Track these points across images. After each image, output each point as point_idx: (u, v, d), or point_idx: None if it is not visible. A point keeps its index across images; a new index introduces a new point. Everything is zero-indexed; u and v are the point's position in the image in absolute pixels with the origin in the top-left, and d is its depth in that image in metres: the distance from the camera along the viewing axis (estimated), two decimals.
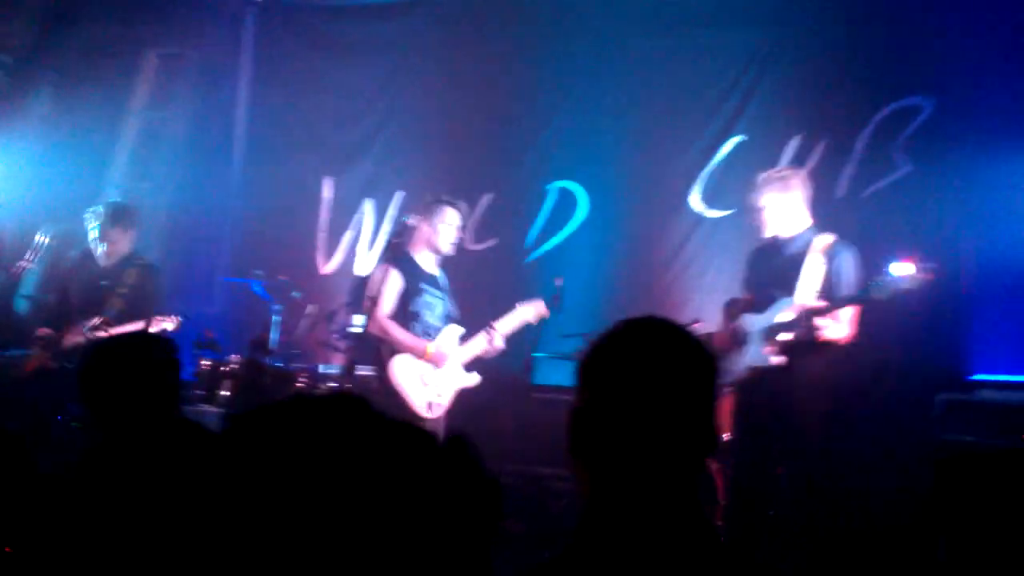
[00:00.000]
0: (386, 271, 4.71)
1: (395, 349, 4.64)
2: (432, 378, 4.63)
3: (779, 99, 5.78)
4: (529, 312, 4.85)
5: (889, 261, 4.26)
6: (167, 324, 4.91)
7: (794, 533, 3.99)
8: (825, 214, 5.30)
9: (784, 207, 4.17)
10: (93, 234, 5.17)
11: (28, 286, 6.18)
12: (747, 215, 4.36)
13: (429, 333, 4.70)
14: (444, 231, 4.73)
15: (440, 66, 6.78)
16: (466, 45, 6.68)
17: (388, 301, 4.66)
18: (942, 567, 1.55)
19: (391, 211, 6.82)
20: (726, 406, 4.68)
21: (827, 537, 4.02)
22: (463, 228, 4.88)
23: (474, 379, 4.80)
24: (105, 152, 6.96)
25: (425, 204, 4.84)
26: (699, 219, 5.98)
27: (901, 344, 4.88)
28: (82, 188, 6.63)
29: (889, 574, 4.08)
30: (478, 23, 6.65)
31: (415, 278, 4.70)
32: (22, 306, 6.20)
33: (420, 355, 4.60)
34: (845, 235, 4.44)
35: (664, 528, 1.23)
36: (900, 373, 4.94)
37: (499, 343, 4.76)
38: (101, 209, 5.22)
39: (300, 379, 5.22)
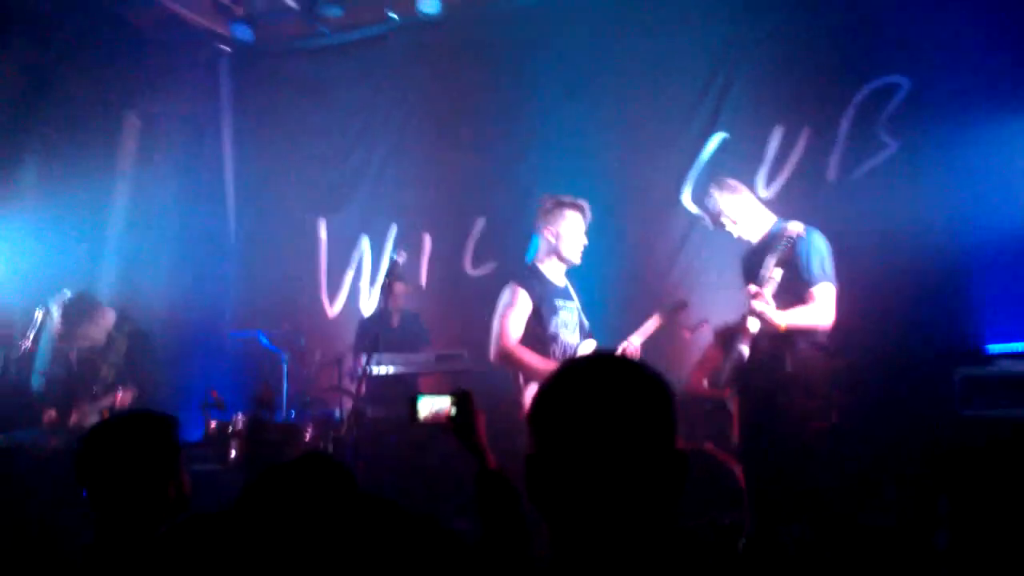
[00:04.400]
0: (514, 291, 4.23)
1: (527, 378, 4.16)
2: None
3: (755, 92, 5.73)
4: (665, 316, 4.58)
5: (889, 241, 4.26)
6: (125, 396, 4.93)
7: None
8: (819, 199, 5.32)
9: (741, 207, 4.16)
10: (62, 332, 5.15)
11: (40, 362, 6.20)
12: (713, 223, 4.31)
13: (567, 353, 4.23)
14: (568, 236, 4.34)
15: (420, 95, 6.78)
16: (443, 72, 6.67)
17: (515, 325, 4.17)
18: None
19: (388, 245, 6.82)
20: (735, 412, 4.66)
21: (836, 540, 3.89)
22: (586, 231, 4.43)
23: None
24: (99, 218, 6.96)
25: (545, 210, 4.38)
26: (694, 219, 5.93)
27: (914, 324, 4.84)
28: (80, 256, 6.64)
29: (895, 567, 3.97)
30: (452, 48, 6.62)
31: (548, 295, 4.26)
32: (38, 382, 6.23)
33: None
34: (840, 218, 4.52)
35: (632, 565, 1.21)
36: (915, 353, 4.86)
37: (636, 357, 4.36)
38: (55, 310, 5.19)
39: (308, 431, 5.21)
